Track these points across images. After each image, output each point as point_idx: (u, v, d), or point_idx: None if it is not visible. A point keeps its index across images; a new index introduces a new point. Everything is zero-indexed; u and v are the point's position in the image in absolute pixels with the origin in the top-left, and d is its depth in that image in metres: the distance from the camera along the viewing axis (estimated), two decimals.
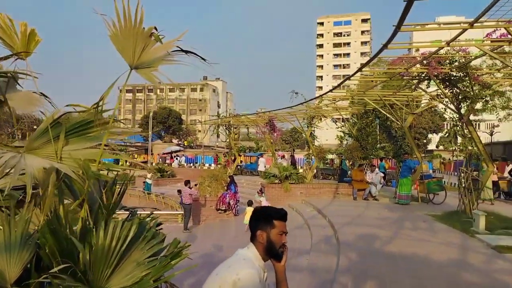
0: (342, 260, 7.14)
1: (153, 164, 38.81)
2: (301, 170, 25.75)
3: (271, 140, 29.72)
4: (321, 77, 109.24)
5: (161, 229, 2.43)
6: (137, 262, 2.17)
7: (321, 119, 26.28)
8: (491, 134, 37.12)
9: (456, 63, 11.64)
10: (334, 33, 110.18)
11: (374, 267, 6.59)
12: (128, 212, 2.89)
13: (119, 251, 2.14)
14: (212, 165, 41.87)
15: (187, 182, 15.06)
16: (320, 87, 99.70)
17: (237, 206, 16.18)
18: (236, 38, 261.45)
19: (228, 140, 34.41)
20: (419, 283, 5.80)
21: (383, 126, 29.41)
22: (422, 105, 18.30)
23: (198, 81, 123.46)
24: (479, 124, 58.41)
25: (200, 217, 16.21)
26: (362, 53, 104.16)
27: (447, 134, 25.67)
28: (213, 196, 16.61)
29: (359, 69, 12.34)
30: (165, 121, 74.40)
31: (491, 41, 9.55)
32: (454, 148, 14.46)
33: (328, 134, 47.04)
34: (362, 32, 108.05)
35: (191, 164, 46.04)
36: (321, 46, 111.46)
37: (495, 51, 9.93)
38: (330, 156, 36.76)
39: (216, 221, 15.92)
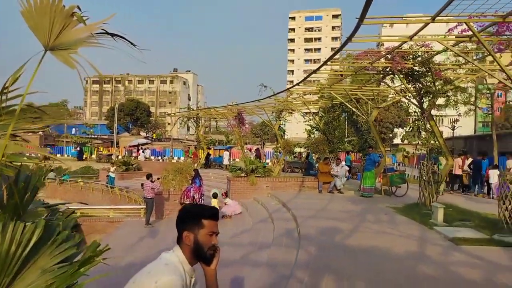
0: (301, 255, 7.03)
1: (119, 157, 37.76)
2: (270, 164, 25.75)
3: (240, 133, 29.58)
4: (292, 71, 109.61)
5: (77, 231, 2.15)
6: (43, 269, 1.88)
7: (291, 113, 26.30)
8: (453, 129, 38.44)
9: (419, 59, 11.79)
10: (305, 28, 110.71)
11: (333, 261, 6.52)
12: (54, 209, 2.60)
13: (20, 257, 1.85)
14: (182, 158, 41.28)
15: (149, 176, 14.61)
16: (291, 81, 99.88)
17: (201, 200, 15.85)
18: (209, 31, 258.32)
19: (196, 133, 33.91)
20: (378, 277, 5.76)
21: (350, 121, 29.86)
22: (388, 99, 18.58)
23: (168, 73, 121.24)
24: (442, 119, 60.52)
25: (163, 211, 15.81)
26: (332, 48, 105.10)
27: (410, 129, 26.37)
28: (177, 190, 16.23)
29: (324, 63, 12.28)
30: (133, 113, 72.51)
31: (455, 37, 9.67)
32: (417, 142, 14.80)
33: (298, 128, 47.34)
34: (333, 27, 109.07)
35: (159, 157, 45.21)
36: (292, 40, 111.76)
37: (458, 46, 10.10)
38: (298, 150, 37.02)
39: None
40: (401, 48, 11.24)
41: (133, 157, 37.18)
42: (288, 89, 17.97)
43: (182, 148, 49.35)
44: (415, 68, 12.01)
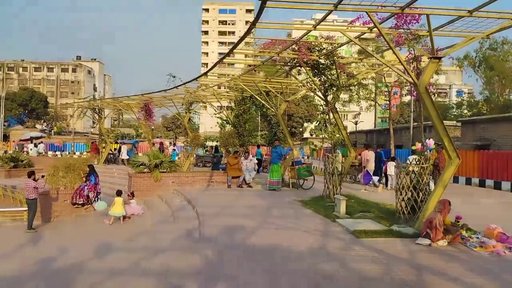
0: (197, 260, 6.29)
1: (8, 152, 33.24)
2: (181, 158, 24.55)
3: (148, 126, 27.81)
4: (206, 64, 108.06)
5: None
6: None
7: (205, 107, 25.36)
8: (356, 124, 40.97)
9: (324, 51, 11.75)
10: (219, 20, 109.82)
11: (230, 266, 5.88)
12: None
13: None
14: (85, 153, 37.81)
15: (31, 174, 12.60)
16: (206, 75, 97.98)
17: (97, 199, 14.26)
18: (119, 19, 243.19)
19: (98, 126, 31.11)
20: (274, 281, 5.24)
21: (263, 114, 29.88)
22: (300, 92, 18.64)
23: (70, 60, 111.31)
24: (346, 114, 64.50)
25: (52, 213, 13.86)
26: (246, 43, 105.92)
27: (318, 122, 27.31)
28: (69, 189, 14.39)
29: (230, 51, 11.65)
30: (27, 104, 64.92)
31: (357, 27, 9.66)
32: (324, 135, 15.13)
33: (213, 121, 46.53)
34: (247, 22, 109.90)
35: (58, 153, 40.94)
36: (206, 33, 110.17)
37: (359, 39, 10.15)
38: (210, 144, 36.26)
39: (72, 217, 13.80)
40: (307, 39, 11.05)
41: (25, 152, 33.02)
42: (196, 78, 17.03)
43: (85, 143, 45.42)
44: (320, 60, 11.96)
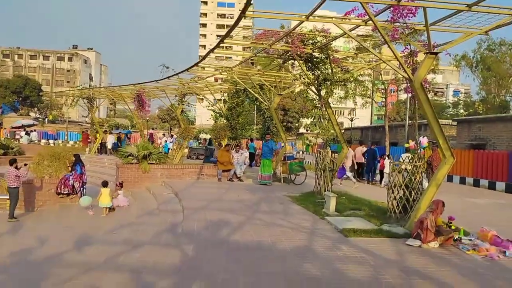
0: (176, 256, 5.99)
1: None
2: (174, 149, 24.18)
3: (141, 117, 27.35)
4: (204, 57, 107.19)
5: None
6: None
7: (202, 99, 24.92)
8: (352, 120, 40.69)
9: (318, 44, 11.39)
10: (217, 14, 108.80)
11: (210, 264, 5.56)
12: None
13: None
14: (78, 142, 37.32)
15: (12, 162, 12.20)
16: (203, 68, 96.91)
17: (83, 190, 13.87)
18: (118, 10, 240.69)
19: (90, 115, 30.58)
20: (254, 282, 4.94)
21: (258, 108, 29.51)
22: (295, 87, 18.27)
23: (67, 49, 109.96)
24: (342, 111, 64.22)
25: (35, 203, 13.47)
26: (244, 37, 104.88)
27: (313, 118, 27.01)
28: (54, 178, 14.00)
29: (221, 40, 11.26)
30: (21, 92, 64.03)
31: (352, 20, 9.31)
32: (318, 131, 14.81)
33: (209, 114, 46.06)
34: (245, 16, 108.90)
35: (51, 141, 40.42)
36: (204, 25, 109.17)
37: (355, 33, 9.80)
38: (204, 136, 35.87)
39: (56, 207, 13.43)
40: (301, 30, 10.70)
41: (17, 140, 32.52)
42: (187, 69, 16.61)
43: (79, 132, 44.89)
44: (314, 54, 11.61)
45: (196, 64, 15.28)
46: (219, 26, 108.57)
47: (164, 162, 16.12)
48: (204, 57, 14.13)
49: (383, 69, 34.89)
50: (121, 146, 20.67)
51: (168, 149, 24.21)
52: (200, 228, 7.72)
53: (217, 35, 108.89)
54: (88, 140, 29.95)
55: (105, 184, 12.30)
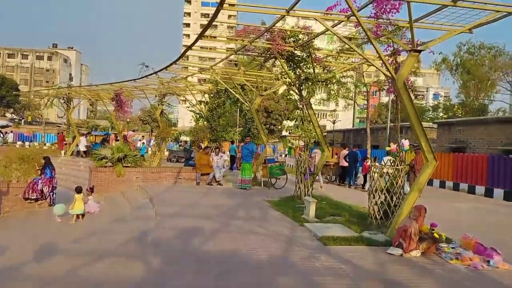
0: (140, 269, 5.49)
1: None
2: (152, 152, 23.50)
3: (119, 118, 26.56)
4: (187, 57, 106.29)
5: None
6: None
7: (185, 100, 24.31)
8: (334, 123, 40.64)
9: (300, 42, 11.04)
10: (201, 13, 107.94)
11: (175, 278, 5.10)
12: None
13: None
14: (55, 144, 36.15)
15: None
16: (186, 68, 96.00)
17: (53, 195, 13.15)
18: (101, 8, 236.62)
19: (67, 116, 29.56)
20: None
21: (241, 109, 29.00)
22: (278, 87, 17.88)
23: (46, 48, 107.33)
24: (325, 113, 64.33)
25: (1, 209, 12.69)
26: (228, 38, 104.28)
27: (295, 120, 26.70)
28: (22, 182, 13.25)
29: (198, 37, 10.82)
30: None
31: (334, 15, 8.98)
32: (300, 133, 14.47)
33: (192, 115, 45.31)
34: (229, 16, 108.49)
35: (27, 143, 39.09)
36: (188, 25, 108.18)
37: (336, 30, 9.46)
38: (185, 138, 35.20)
39: (23, 213, 12.68)
40: (282, 26, 10.33)
41: None
42: (166, 67, 16.04)
43: (56, 133, 43.62)
44: (296, 52, 11.26)
45: (175, 62, 14.76)
46: (203, 26, 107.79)
47: (140, 165, 15.51)
48: (182, 54, 13.67)
49: (365, 71, 34.95)
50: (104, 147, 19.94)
51: (145, 152, 23.54)
52: (171, 237, 7.22)
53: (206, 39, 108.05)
54: (64, 142, 28.98)
55: (79, 190, 11.60)
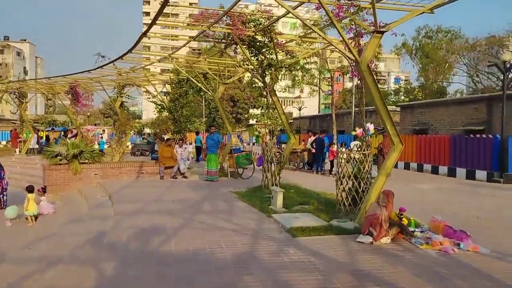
0: (91, 276, 4.97)
1: None
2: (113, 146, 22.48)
3: (77, 112, 25.24)
4: (148, 47, 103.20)
5: None
6: None
7: (146, 91, 23.36)
8: (300, 109, 40.68)
9: (261, 26, 10.61)
10: (161, 1, 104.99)
11: (130, 285, 4.63)
12: None
13: None
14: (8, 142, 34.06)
15: None
16: (148, 58, 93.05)
17: (3, 197, 12.18)
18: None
19: (19, 112, 27.76)
20: None
21: (205, 99, 28.24)
22: (238, 74, 17.36)
23: None
24: (291, 100, 64.44)
25: None
26: (188, 24, 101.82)
27: (261, 108, 26.30)
28: None
29: (152, 23, 10.16)
30: None
31: None
32: (266, 121, 14.12)
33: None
34: (190, 4, 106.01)
35: None
36: (148, 14, 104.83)
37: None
38: (148, 131, 34.08)
39: None
40: (242, 11, 9.85)
41: None
42: (122, 56, 15.16)
43: (9, 130, 41.13)
44: (257, 37, 10.83)
45: (130, 51, 13.98)
46: (165, 15, 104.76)
47: (98, 161, 14.68)
48: (137, 42, 12.93)
49: (328, 57, 35.02)
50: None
51: (104, 146, 22.52)
52: (129, 238, 6.71)
53: (161, 25, 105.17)
54: (19, 139, 27.30)
55: (30, 189, 10.76)
